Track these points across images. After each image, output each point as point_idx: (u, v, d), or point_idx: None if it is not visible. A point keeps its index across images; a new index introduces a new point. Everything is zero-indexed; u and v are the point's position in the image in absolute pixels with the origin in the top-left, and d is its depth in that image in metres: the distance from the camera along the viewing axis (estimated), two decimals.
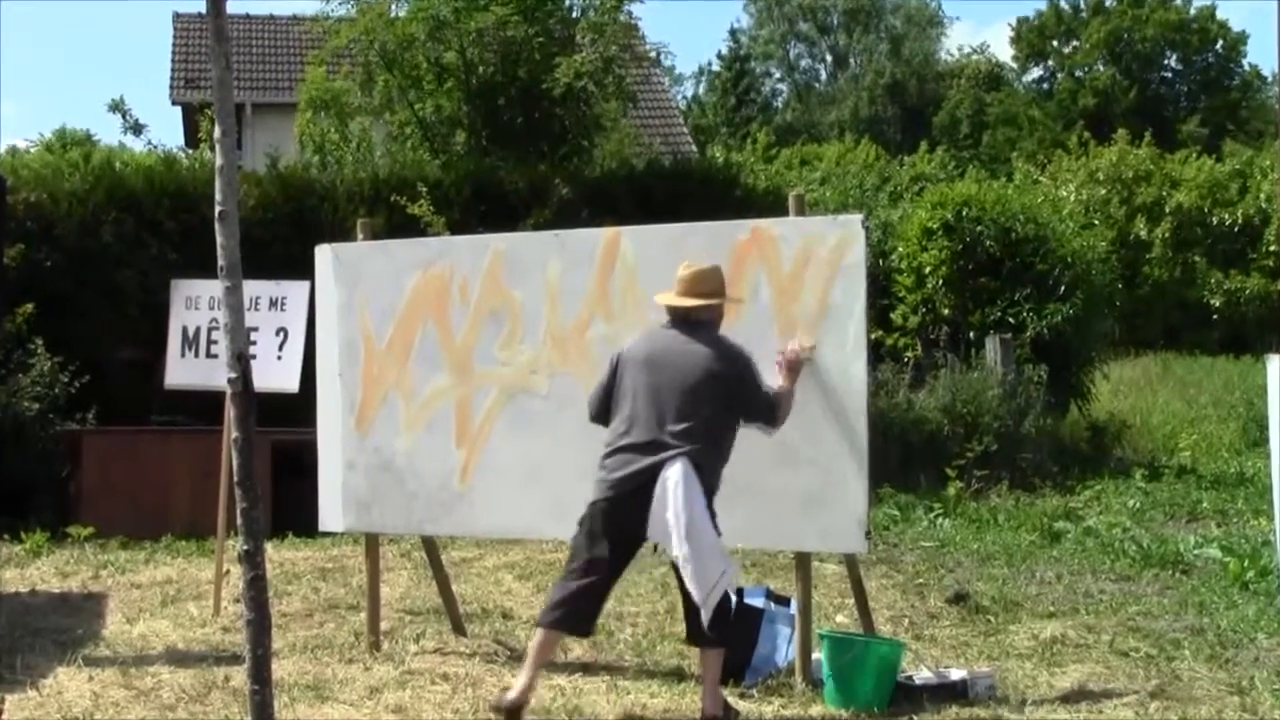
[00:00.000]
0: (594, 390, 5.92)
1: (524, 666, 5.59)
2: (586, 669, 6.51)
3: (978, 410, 13.66)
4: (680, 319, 5.75)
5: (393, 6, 15.76)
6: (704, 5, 76.35)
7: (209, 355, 8.27)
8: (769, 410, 5.75)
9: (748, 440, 5.92)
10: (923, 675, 6.16)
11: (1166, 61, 51.90)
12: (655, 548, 5.68)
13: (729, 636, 5.68)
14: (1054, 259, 15.55)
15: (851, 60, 58.54)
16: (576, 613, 5.63)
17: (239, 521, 4.24)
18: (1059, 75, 52.62)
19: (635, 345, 5.84)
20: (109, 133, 72.45)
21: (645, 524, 5.43)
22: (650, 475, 5.42)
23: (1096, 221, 22.82)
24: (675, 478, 5.37)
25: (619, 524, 5.52)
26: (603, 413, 5.84)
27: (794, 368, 5.92)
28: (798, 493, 6.06)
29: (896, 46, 57.05)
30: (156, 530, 10.71)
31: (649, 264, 6.43)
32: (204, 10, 4.34)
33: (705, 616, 5.42)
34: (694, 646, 5.81)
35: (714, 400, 5.55)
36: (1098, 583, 8.75)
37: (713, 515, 5.53)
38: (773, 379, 5.87)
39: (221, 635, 7.41)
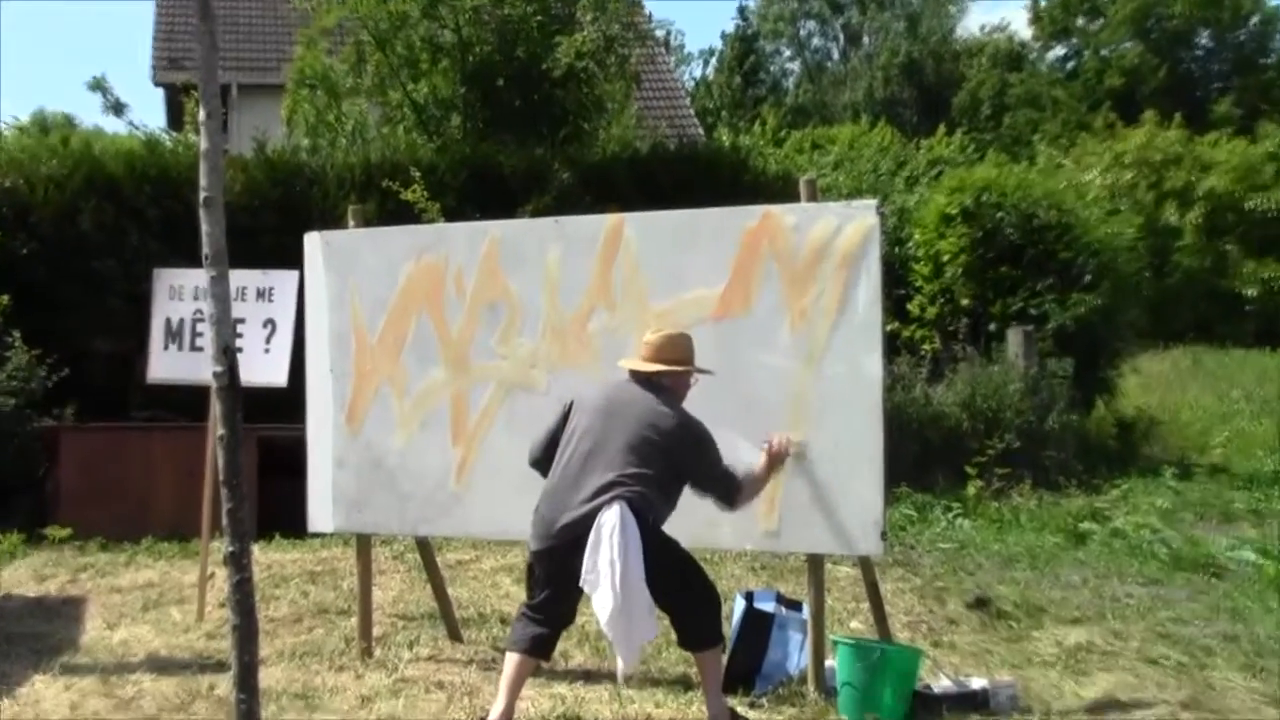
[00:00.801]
0: (541, 434, 5.92)
1: (499, 691, 5.62)
2: (588, 676, 6.51)
3: (999, 406, 13.64)
4: (643, 382, 5.77)
5: None
6: None
7: (193, 348, 8.28)
8: (726, 491, 5.77)
9: (757, 438, 5.93)
10: (942, 684, 6.16)
11: (1198, 39, 51.77)
12: None
13: (718, 634, 5.70)
14: (1079, 247, 15.54)
15: (865, 38, 58.43)
16: (540, 640, 5.68)
17: (224, 522, 4.24)
18: (1084, 54, 52.51)
19: (593, 392, 5.87)
20: (89, 116, 72.43)
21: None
22: (590, 522, 5.42)
23: (1123, 207, 22.81)
24: (612, 522, 5.35)
25: (563, 573, 5.50)
26: (546, 458, 5.84)
27: (776, 459, 5.94)
28: (810, 492, 6.06)
29: (913, 24, 56.93)
30: (138, 531, 10.71)
31: (653, 252, 6.43)
32: None
33: (624, 669, 5.47)
34: (688, 651, 5.82)
35: (664, 460, 5.56)
36: (1125, 587, 8.74)
37: (670, 544, 5.55)
38: (773, 384, 5.86)
39: (206, 641, 7.42)
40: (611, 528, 5.33)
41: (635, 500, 5.41)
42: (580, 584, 5.41)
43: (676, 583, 5.55)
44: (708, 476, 5.71)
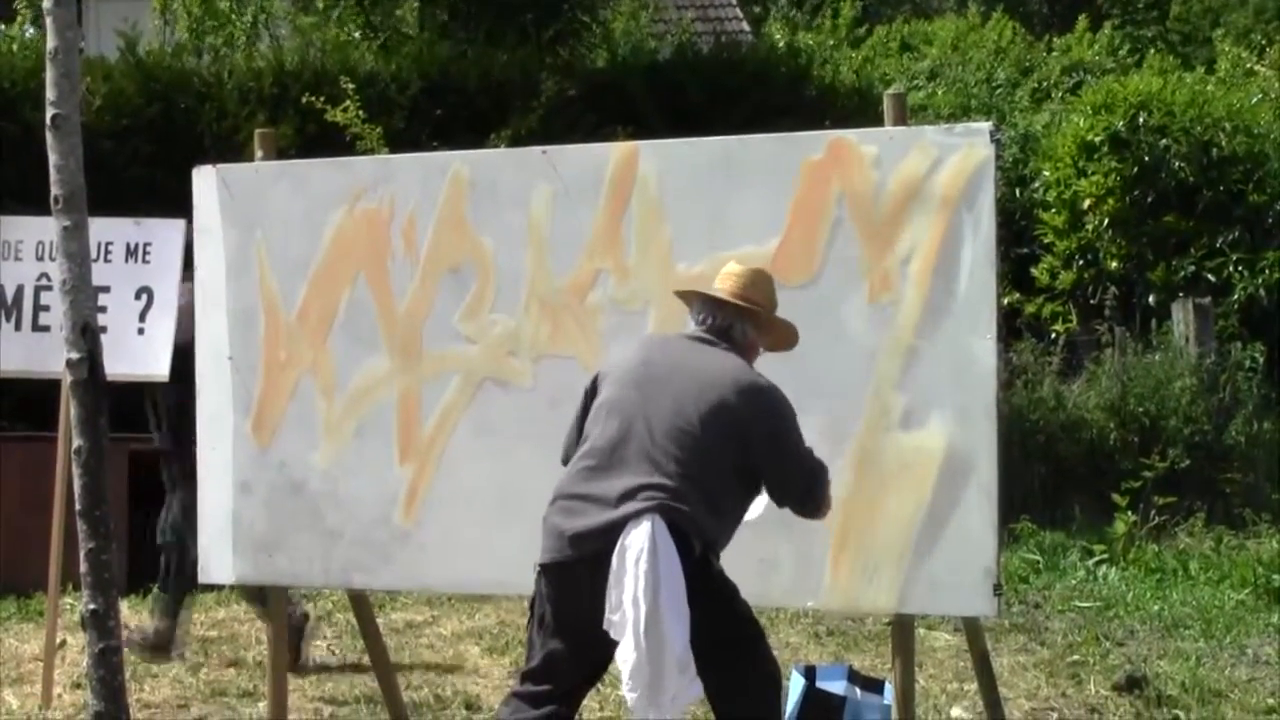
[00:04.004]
0: (570, 424, 5.91)
1: None
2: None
3: (1160, 410, 13.61)
4: (709, 334, 5.74)
5: None
6: None
7: (36, 327, 8.29)
8: (807, 488, 5.68)
9: (823, 447, 5.94)
10: None
11: None
12: None
13: None
14: (1276, 187, 15.47)
15: None
16: None
17: (82, 569, 4.27)
18: None
19: (625, 353, 5.86)
20: None
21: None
22: (612, 538, 5.36)
23: None
24: (640, 544, 5.30)
25: (576, 605, 5.45)
26: None
27: None
28: (892, 528, 6.07)
29: None
30: None
31: (680, 195, 6.43)
32: None
33: None
34: None
35: (729, 453, 5.50)
36: None
37: (728, 590, 5.52)
38: (844, 377, 5.85)
39: None
40: (639, 552, 5.30)
41: (675, 516, 5.36)
42: (604, 627, 5.34)
43: (728, 650, 5.51)
44: (786, 465, 5.61)
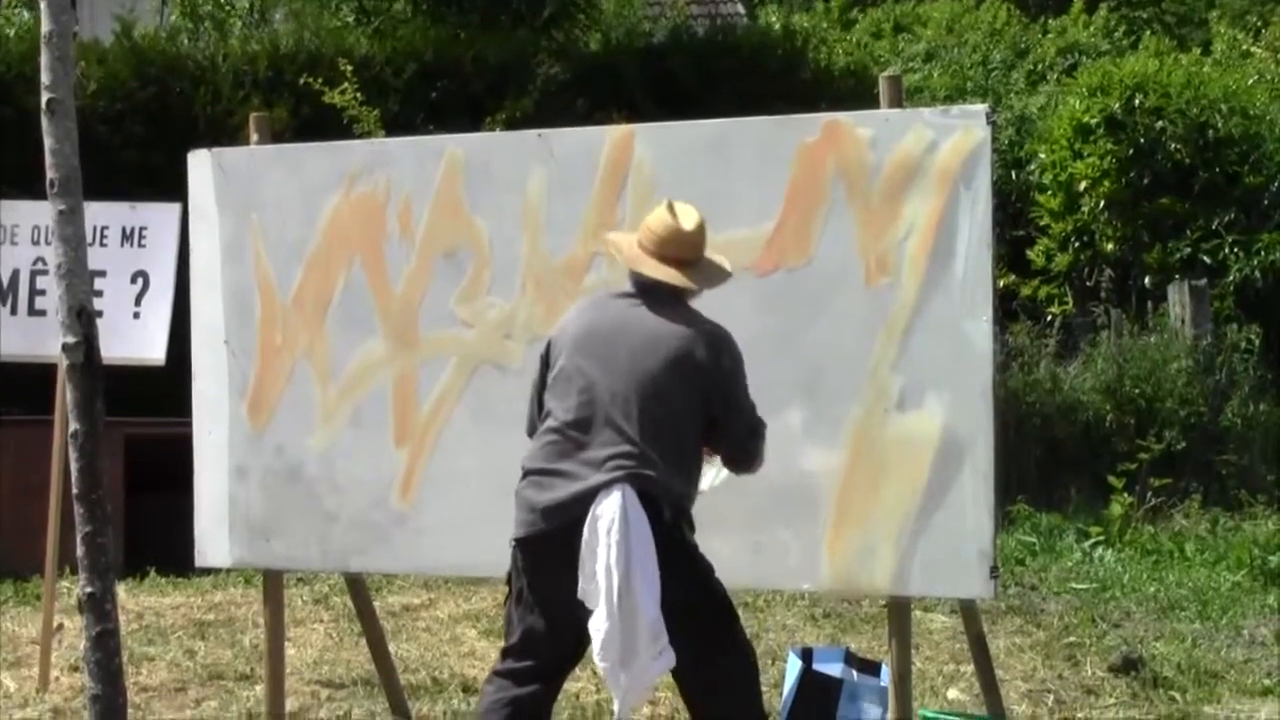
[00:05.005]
0: (530, 394, 5.89)
1: None
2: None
3: (1156, 391, 13.62)
4: (647, 290, 5.67)
5: None
6: None
7: (33, 311, 8.29)
8: (750, 433, 5.66)
9: (819, 432, 5.93)
10: None
11: None
12: None
13: (758, 713, 5.66)
14: (1271, 168, 15.46)
15: None
16: (520, 709, 5.55)
17: (79, 553, 4.26)
18: None
19: (574, 319, 5.80)
20: None
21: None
22: (584, 508, 5.37)
23: None
24: (610, 514, 5.32)
25: (552, 577, 5.45)
26: None
27: None
28: (889, 510, 6.07)
29: None
30: None
31: (674, 178, 6.42)
32: None
33: (621, 714, 5.43)
34: None
35: (685, 399, 5.49)
36: None
37: (702, 563, 5.52)
38: (841, 360, 5.84)
39: (52, 718, 7.44)
40: (610, 522, 5.31)
41: (645, 484, 5.37)
42: (579, 595, 5.35)
43: (700, 628, 5.49)
44: (737, 409, 5.58)
